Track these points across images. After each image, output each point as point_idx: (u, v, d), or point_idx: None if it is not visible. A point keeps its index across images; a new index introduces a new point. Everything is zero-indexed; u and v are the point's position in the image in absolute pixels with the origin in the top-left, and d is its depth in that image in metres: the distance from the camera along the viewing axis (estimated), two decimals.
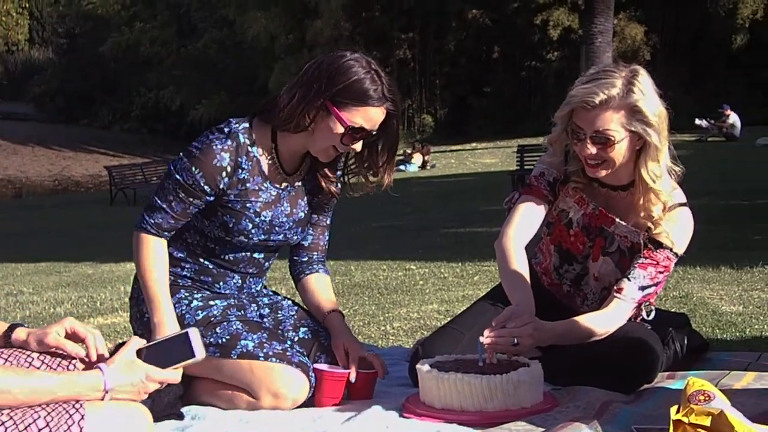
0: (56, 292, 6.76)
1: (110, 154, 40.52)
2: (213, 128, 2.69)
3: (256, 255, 2.80)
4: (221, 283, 2.80)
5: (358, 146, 2.64)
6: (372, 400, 2.67)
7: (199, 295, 2.76)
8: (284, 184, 2.74)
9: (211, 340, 2.62)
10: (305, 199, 2.81)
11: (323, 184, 2.80)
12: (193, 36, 44.54)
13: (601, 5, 19.89)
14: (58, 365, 2.08)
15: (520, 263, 2.74)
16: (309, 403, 2.63)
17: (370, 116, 2.58)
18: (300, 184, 2.79)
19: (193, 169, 2.60)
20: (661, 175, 2.65)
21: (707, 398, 1.98)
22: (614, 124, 2.58)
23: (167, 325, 2.59)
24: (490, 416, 2.39)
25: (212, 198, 2.66)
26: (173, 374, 2.02)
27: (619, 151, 2.62)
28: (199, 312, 2.70)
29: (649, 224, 2.71)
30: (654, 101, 2.60)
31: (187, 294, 2.74)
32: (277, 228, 2.75)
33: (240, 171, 2.64)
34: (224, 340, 2.63)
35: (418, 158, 24.35)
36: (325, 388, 2.64)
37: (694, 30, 35.48)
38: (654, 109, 2.59)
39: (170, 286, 2.73)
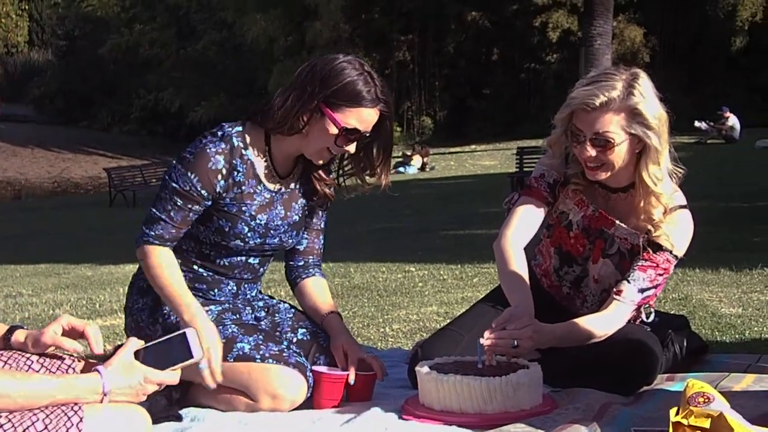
0: (55, 294, 6.76)
1: (109, 156, 40.51)
2: (206, 132, 2.69)
3: (251, 260, 2.80)
4: (216, 290, 2.79)
5: (352, 148, 2.65)
6: (371, 401, 2.66)
7: None
8: (278, 187, 2.74)
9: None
10: (299, 202, 2.81)
11: (318, 186, 2.80)
12: (192, 38, 44.53)
13: (600, 7, 19.89)
14: (57, 368, 2.08)
15: (519, 265, 2.74)
16: (308, 404, 2.63)
17: (364, 117, 2.59)
18: (294, 187, 2.79)
19: (189, 174, 2.60)
20: (662, 178, 2.65)
21: (707, 400, 1.98)
22: (614, 126, 2.58)
23: (200, 319, 2.54)
24: (489, 418, 2.39)
25: (210, 202, 2.65)
26: (172, 375, 2.02)
27: (619, 154, 2.62)
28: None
29: (649, 227, 2.71)
30: (654, 104, 2.60)
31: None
32: (272, 231, 2.75)
33: (236, 173, 2.64)
34: None
35: (417, 160, 24.33)
36: (324, 390, 2.64)
37: (693, 32, 35.49)
38: (654, 112, 2.59)
39: None
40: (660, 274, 2.71)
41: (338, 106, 2.57)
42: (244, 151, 2.66)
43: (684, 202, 2.75)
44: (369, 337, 4.17)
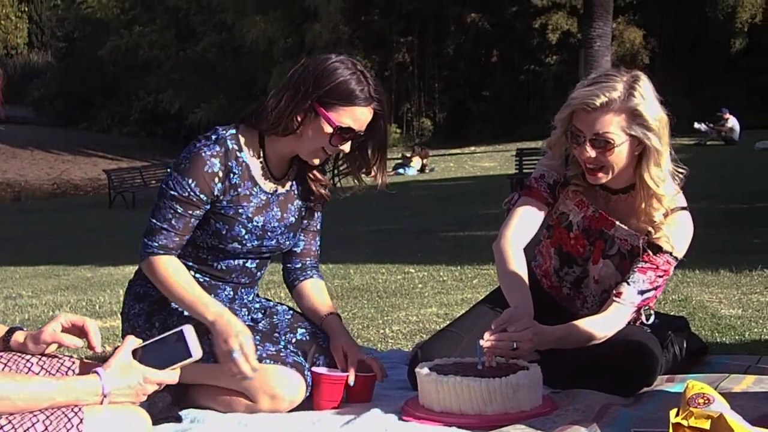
0: (55, 296, 6.76)
1: (109, 158, 40.50)
2: (199, 137, 2.68)
3: (248, 264, 2.80)
4: (212, 296, 2.78)
5: (346, 147, 2.65)
6: (371, 403, 2.66)
7: None
8: (273, 189, 2.74)
9: (204, 347, 2.60)
10: (295, 203, 2.81)
11: (313, 187, 2.81)
12: (191, 40, 44.54)
13: (600, 9, 19.91)
14: (57, 370, 2.08)
15: (518, 265, 2.73)
16: (308, 406, 2.63)
17: (357, 116, 2.59)
18: (289, 188, 2.79)
19: (186, 180, 2.60)
20: (665, 179, 2.64)
21: (707, 401, 1.98)
22: (614, 127, 2.58)
23: (225, 316, 2.54)
24: (489, 419, 2.39)
25: (209, 206, 2.65)
26: (171, 375, 2.02)
27: (619, 156, 2.62)
28: (191, 321, 2.69)
29: (650, 228, 2.71)
30: (655, 106, 2.60)
31: (177, 306, 2.72)
32: (269, 233, 2.74)
33: (232, 176, 2.64)
34: None
35: (416, 162, 24.33)
36: (324, 391, 2.63)
37: (693, 34, 35.51)
38: (654, 114, 2.59)
39: (161, 300, 2.72)
40: (660, 276, 2.71)
41: (332, 106, 2.57)
42: (238, 154, 2.66)
43: (685, 204, 2.75)
44: (369, 339, 4.17)
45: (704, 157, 19.00)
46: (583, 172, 2.74)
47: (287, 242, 2.83)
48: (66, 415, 1.85)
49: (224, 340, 2.49)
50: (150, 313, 2.74)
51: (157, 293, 2.75)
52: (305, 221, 2.88)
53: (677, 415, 1.99)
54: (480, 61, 38.98)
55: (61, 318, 2.11)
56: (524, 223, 2.81)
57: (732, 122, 23.85)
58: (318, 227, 2.94)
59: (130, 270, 2.77)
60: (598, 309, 2.80)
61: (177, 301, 2.64)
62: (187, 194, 2.60)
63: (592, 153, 2.61)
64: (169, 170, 2.66)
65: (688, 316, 3.77)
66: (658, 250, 2.70)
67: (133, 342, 2.03)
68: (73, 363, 2.12)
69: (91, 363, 2.13)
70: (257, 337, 2.65)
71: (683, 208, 2.74)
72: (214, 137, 2.65)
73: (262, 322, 2.84)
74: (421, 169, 24.07)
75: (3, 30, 53.23)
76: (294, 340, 2.79)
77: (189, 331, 2.06)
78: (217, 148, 2.62)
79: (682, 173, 2.71)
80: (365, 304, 5.35)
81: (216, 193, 2.63)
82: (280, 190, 2.76)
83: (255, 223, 2.70)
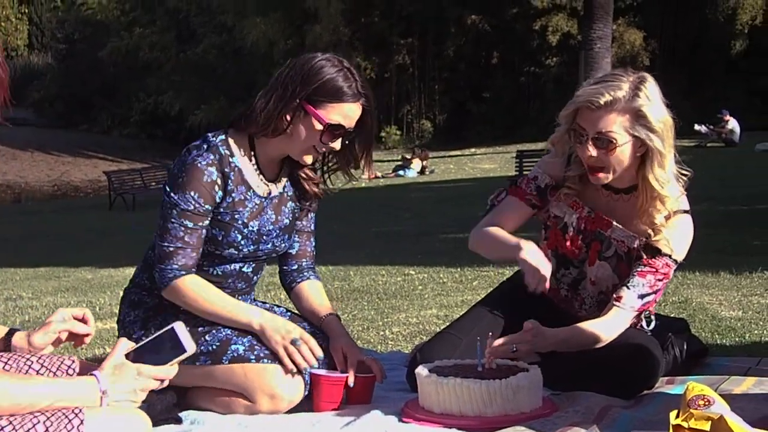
0: (55, 297, 6.76)
1: (109, 160, 40.48)
2: (188, 148, 2.67)
3: (245, 268, 2.80)
4: None
5: (337, 144, 2.66)
6: (371, 404, 2.66)
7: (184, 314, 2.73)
8: (267, 192, 2.74)
9: (201, 348, 2.60)
10: (289, 205, 2.81)
11: (306, 186, 2.81)
12: (192, 41, 44.54)
13: (600, 11, 19.93)
14: (58, 368, 2.09)
15: (494, 230, 2.78)
16: (307, 407, 2.63)
17: (346, 112, 2.60)
18: (282, 190, 2.79)
19: (189, 193, 2.59)
20: (669, 181, 2.63)
21: (707, 403, 1.98)
22: (617, 126, 2.57)
23: (269, 321, 2.62)
24: (489, 421, 2.39)
25: (212, 214, 2.65)
26: (166, 370, 2.01)
27: (620, 156, 2.61)
28: (186, 325, 2.67)
29: (649, 230, 2.70)
30: (659, 108, 2.59)
31: (173, 312, 2.71)
32: (264, 237, 2.74)
33: (229, 182, 2.64)
34: (214, 347, 2.62)
35: (416, 164, 24.32)
36: (324, 393, 2.63)
37: (693, 36, 35.52)
38: (658, 116, 2.58)
39: (156, 307, 2.73)
40: (659, 279, 2.71)
41: (320, 103, 2.58)
42: (230, 159, 2.66)
43: (687, 207, 2.74)
44: (369, 340, 4.17)
45: (704, 159, 18.98)
46: (581, 175, 2.74)
47: (282, 245, 2.83)
48: (66, 417, 1.85)
49: (282, 337, 2.58)
50: (145, 320, 2.74)
51: (152, 300, 2.75)
52: (299, 222, 2.88)
53: (677, 416, 2.00)
54: (480, 62, 38.99)
55: (59, 313, 2.14)
56: (499, 221, 2.82)
57: (732, 124, 23.85)
58: (312, 228, 2.94)
59: (131, 271, 2.77)
60: (596, 310, 2.80)
61: (213, 318, 2.65)
62: (192, 207, 2.59)
63: (593, 152, 2.61)
64: (166, 188, 2.63)
65: (688, 318, 3.77)
66: (656, 252, 2.69)
67: (125, 344, 2.02)
68: (74, 362, 2.13)
69: (91, 364, 2.13)
70: (255, 337, 2.65)
71: (685, 212, 2.73)
72: (205, 146, 2.64)
73: None
74: (421, 171, 24.06)
75: (3, 32, 53.18)
76: None
77: (180, 328, 2.05)
78: (212, 157, 2.62)
79: (686, 175, 2.70)
80: (365, 306, 5.35)
81: (217, 200, 2.63)
82: (274, 192, 2.76)
83: (251, 228, 2.70)
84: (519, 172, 17.59)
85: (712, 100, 29.58)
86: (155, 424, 2.26)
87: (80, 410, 1.88)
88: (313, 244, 2.96)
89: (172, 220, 2.60)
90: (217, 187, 2.62)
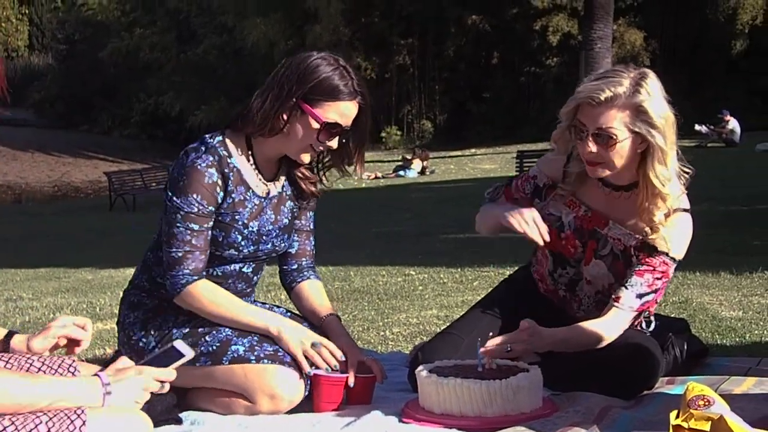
0: (56, 298, 6.76)
1: (110, 160, 40.47)
2: (186, 150, 2.66)
3: (245, 269, 2.80)
4: None
5: (334, 143, 2.65)
6: (371, 405, 2.66)
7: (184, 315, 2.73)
8: (266, 192, 2.74)
9: (202, 349, 2.61)
10: (287, 204, 2.81)
11: (303, 186, 2.81)
12: (192, 42, 44.53)
13: (601, 11, 19.93)
14: (59, 366, 2.09)
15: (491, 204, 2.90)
16: (308, 407, 2.63)
17: (343, 111, 2.60)
18: (281, 190, 2.79)
19: (192, 196, 2.59)
20: (670, 178, 2.62)
21: (707, 403, 1.98)
22: (617, 122, 2.56)
23: (284, 326, 2.65)
24: (489, 421, 2.39)
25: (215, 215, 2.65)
26: (168, 371, 2.03)
27: (621, 152, 2.59)
28: (186, 325, 2.69)
29: (647, 228, 2.69)
30: (661, 104, 2.58)
31: (173, 313, 2.72)
32: (264, 237, 2.74)
33: (229, 183, 2.65)
34: (215, 347, 2.63)
35: (417, 164, 24.31)
36: (324, 393, 2.63)
37: (694, 36, 35.50)
38: (660, 112, 2.56)
39: (155, 308, 2.73)
40: (658, 278, 2.69)
41: (317, 102, 2.58)
42: (229, 160, 2.65)
43: (687, 205, 2.72)
44: (369, 341, 4.17)
45: (705, 159, 18.96)
46: (580, 173, 2.74)
47: (282, 244, 2.83)
48: (69, 417, 1.86)
49: (301, 341, 2.61)
50: (145, 321, 2.74)
51: (151, 302, 2.75)
52: (297, 221, 2.88)
53: (677, 417, 1.99)
54: (480, 62, 38.97)
55: (61, 321, 2.14)
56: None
57: (733, 124, 23.84)
58: (311, 227, 2.94)
59: (131, 272, 2.77)
60: (594, 310, 2.80)
61: (228, 324, 2.66)
62: (196, 209, 2.59)
63: (593, 148, 2.59)
64: (168, 193, 2.62)
65: (688, 318, 3.77)
66: (653, 251, 2.69)
67: (125, 362, 2.06)
68: (74, 361, 2.14)
69: (91, 365, 2.14)
70: (254, 337, 2.66)
71: (685, 210, 2.72)
72: (203, 147, 2.64)
73: None
74: (422, 171, 24.06)
75: (4, 32, 53.21)
76: None
77: (179, 344, 2.14)
78: (211, 158, 2.62)
79: (688, 173, 2.69)
80: (365, 306, 5.35)
81: (219, 201, 2.63)
82: (273, 192, 2.76)
83: (251, 229, 2.70)
84: (519, 172, 17.57)
85: (713, 100, 29.55)
86: (156, 424, 2.26)
87: (83, 411, 1.88)
88: (313, 243, 2.96)
89: (178, 224, 2.60)
90: (218, 188, 2.62)
